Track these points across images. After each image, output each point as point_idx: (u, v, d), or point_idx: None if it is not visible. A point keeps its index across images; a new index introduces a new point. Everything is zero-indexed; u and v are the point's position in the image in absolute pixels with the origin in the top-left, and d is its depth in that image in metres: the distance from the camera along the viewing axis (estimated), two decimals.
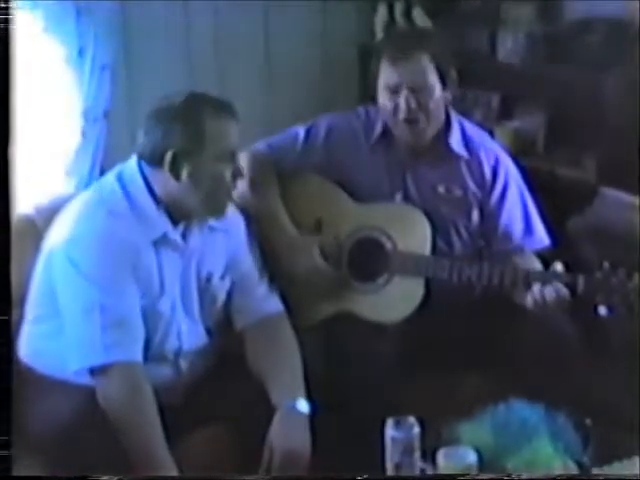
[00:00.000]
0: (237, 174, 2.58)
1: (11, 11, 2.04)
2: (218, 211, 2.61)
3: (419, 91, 2.81)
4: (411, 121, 2.83)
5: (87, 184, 3.07)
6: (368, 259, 2.87)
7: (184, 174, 2.52)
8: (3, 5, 2.03)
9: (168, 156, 2.50)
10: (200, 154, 2.51)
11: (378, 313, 2.83)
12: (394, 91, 2.82)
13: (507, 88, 3.78)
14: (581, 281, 2.62)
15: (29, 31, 3.01)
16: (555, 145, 3.71)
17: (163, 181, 2.55)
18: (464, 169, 2.92)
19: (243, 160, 2.91)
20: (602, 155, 3.47)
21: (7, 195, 2.07)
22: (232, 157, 2.56)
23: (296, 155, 2.98)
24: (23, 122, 2.83)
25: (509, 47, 3.71)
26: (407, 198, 2.92)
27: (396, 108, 2.83)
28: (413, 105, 2.81)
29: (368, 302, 2.85)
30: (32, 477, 2.28)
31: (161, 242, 2.57)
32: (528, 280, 2.69)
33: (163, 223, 2.57)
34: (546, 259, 2.84)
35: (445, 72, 2.84)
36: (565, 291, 2.63)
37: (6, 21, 2.04)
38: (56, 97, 3.16)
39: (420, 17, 3.85)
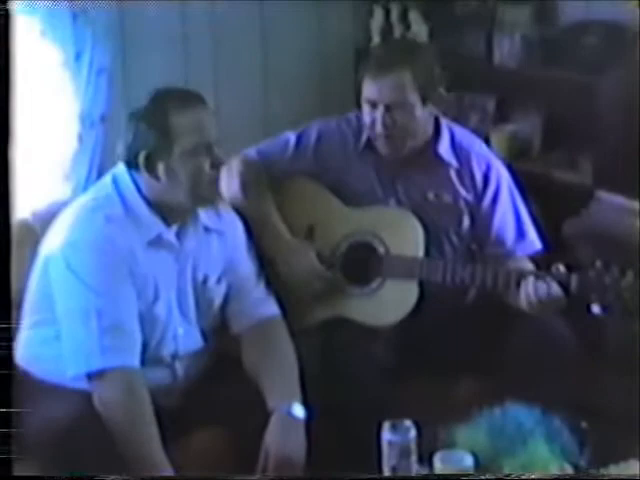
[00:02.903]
0: (217, 164, 2.55)
1: (10, 16, 2.05)
2: (207, 200, 2.60)
3: (396, 109, 2.79)
4: (387, 136, 2.83)
5: (84, 189, 3.07)
6: (361, 263, 2.87)
7: (160, 173, 2.52)
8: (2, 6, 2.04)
9: (141, 158, 2.51)
10: (171, 150, 2.50)
11: (372, 317, 2.83)
12: (372, 106, 2.82)
13: (503, 91, 3.79)
14: (574, 280, 2.62)
15: (26, 35, 3.01)
16: (551, 148, 3.72)
17: (147, 183, 2.55)
18: (454, 176, 2.91)
19: (234, 165, 2.93)
20: (598, 158, 3.48)
21: (7, 200, 2.07)
22: (208, 148, 2.53)
23: (287, 161, 2.98)
24: (20, 127, 2.84)
25: (505, 50, 3.72)
26: (397, 204, 2.92)
27: (373, 122, 2.83)
28: (389, 122, 2.80)
29: (362, 306, 2.85)
30: (32, 477, 2.28)
31: (156, 244, 2.57)
32: (521, 280, 2.69)
33: (156, 224, 2.57)
34: (541, 262, 2.84)
35: (429, 89, 2.81)
36: (557, 289, 2.63)
37: (6, 26, 2.05)
38: (53, 102, 3.17)
39: (416, 20, 3.86)
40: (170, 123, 2.49)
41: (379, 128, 2.82)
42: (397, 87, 2.79)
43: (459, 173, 2.92)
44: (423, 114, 2.84)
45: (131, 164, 2.55)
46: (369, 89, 2.83)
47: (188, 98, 2.55)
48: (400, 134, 2.83)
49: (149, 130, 2.50)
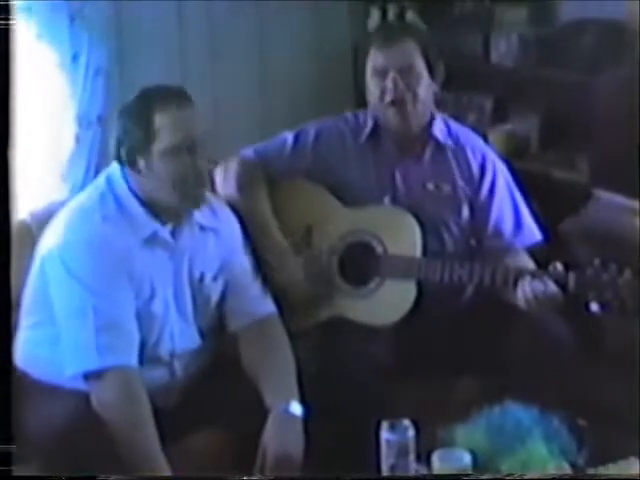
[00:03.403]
0: (202, 162, 2.55)
1: (11, 18, 2.05)
2: (194, 200, 2.60)
3: (406, 73, 2.83)
4: (398, 103, 2.84)
5: (82, 189, 3.07)
6: (359, 263, 2.87)
7: (141, 166, 2.54)
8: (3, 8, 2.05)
9: (123, 151, 2.53)
10: (151, 146, 2.51)
11: (371, 317, 2.83)
12: (381, 75, 2.84)
13: (500, 91, 3.79)
14: (572, 278, 2.62)
15: (23, 37, 3.01)
16: (549, 147, 3.72)
17: (134, 178, 2.57)
18: (452, 164, 2.93)
19: (231, 165, 2.93)
20: (595, 157, 3.48)
21: (7, 201, 2.08)
22: (191, 145, 2.53)
23: (284, 161, 2.99)
24: (17, 128, 2.84)
25: (502, 50, 3.72)
26: (397, 198, 2.92)
27: (383, 92, 2.84)
28: (400, 86, 2.82)
29: (360, 306, 2.85)
30: (32, 477, 2.28)
31: (152, 242, 2.58)
32: (519, 278, 2.69)
33: (151, 222, 2.58)
34: (539, 260, 2.84)
35: (432, 62, 2.86)
36: (555, 287, 2.63)
37: (6, 27, 2.05)
38: (50, 103, 3.16)
39: (413, 20, 3.86)
40: (152, 120, 2.51)
41: (390, 95, 2.83)
42: (406, 54, 2.84)
43: (457, 160, 2.93)
44: (428, 86, 2.86)
45: (118, 159, 2.57)
46: (378, 59, 2.85)
47: (173, 96, 2.55)
48: (410, 100, 2.84)
49: (132, 126, 2.53)
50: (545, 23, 3.74)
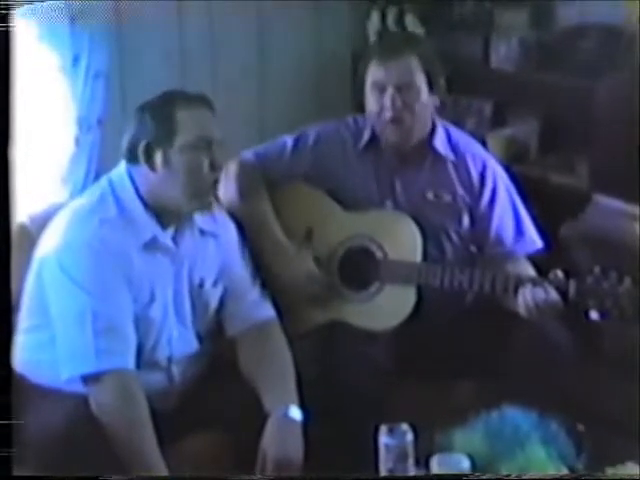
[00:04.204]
0: (215, 166, 2.57)
1: (11, 20, 2.05)
2: (203, 204, 2.61)
3: (405, 90, 2.81)
4: (396, 120, 2.83)
5: (81, 192, 3.07)
6: (359, 268, 2.88)
7: (158, 162, 2.53)
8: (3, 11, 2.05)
9: (141, 146, 2.53)
10: (171, 141, 2.52)
11: (370, 321, 2.83)
12: (380, 90, 2.83)
13: (500, 95, 3.79)
14: (572, 286, 2.62)
15: (23, 39, 3.01)
16: (548, 152, 3.72)
17: (145, 178, 2.56)
18: (452, 173, 2.93)
19: (231, 168, 2.93)
20: (595, 162, 3.48)
21: (7, 204, 2.08)
22: (208, 146, 2.55)
23: (284, 164, 2.99)
24: (17, 130, 2.84)
25: (502, 54, 3.72)
26: (396, 205, 2.93)
27: (382, 108, 2.84)
28: (398, 103, 2.81)
29: (360, 310, 2.85)
30: (32, 477, 2.28)
31: (151, 246, 2.58)
32: (519, 286, 2.69)
33: (151, 226, 2.58)
34: (539, 266, 2.84)
35: (433, 76, 2.85)
36: (555, 294, 2.63)
37: (6, 29, 2.05)
38: (50, 105, 3.16)
39: (412, 23, 3.86)
40: (175, 116, 2.53)
41: (388, 112, 2.83)
42: (406, 69, 2.82)
43: (457, 170, 2.93)
44: (428, 101, 2.86)
45: (131, 157, 2.56)
46: (377, 73, 2.84)
47: (196, 98, 2.59)
48: (408, 117, 2.84)
49: (153, 121, 2.54)
50: (545, 27, 3.74)
